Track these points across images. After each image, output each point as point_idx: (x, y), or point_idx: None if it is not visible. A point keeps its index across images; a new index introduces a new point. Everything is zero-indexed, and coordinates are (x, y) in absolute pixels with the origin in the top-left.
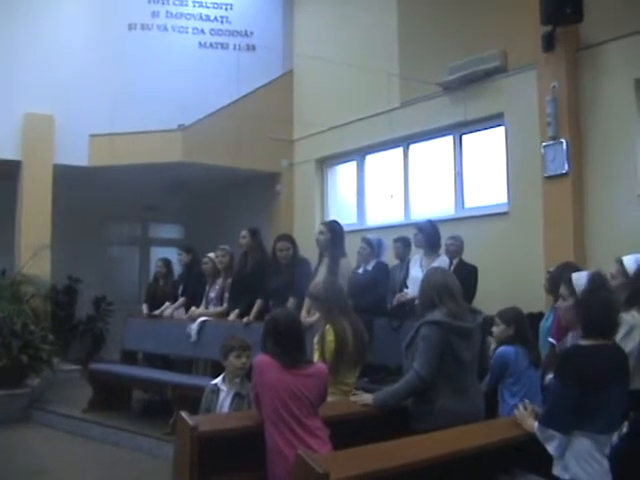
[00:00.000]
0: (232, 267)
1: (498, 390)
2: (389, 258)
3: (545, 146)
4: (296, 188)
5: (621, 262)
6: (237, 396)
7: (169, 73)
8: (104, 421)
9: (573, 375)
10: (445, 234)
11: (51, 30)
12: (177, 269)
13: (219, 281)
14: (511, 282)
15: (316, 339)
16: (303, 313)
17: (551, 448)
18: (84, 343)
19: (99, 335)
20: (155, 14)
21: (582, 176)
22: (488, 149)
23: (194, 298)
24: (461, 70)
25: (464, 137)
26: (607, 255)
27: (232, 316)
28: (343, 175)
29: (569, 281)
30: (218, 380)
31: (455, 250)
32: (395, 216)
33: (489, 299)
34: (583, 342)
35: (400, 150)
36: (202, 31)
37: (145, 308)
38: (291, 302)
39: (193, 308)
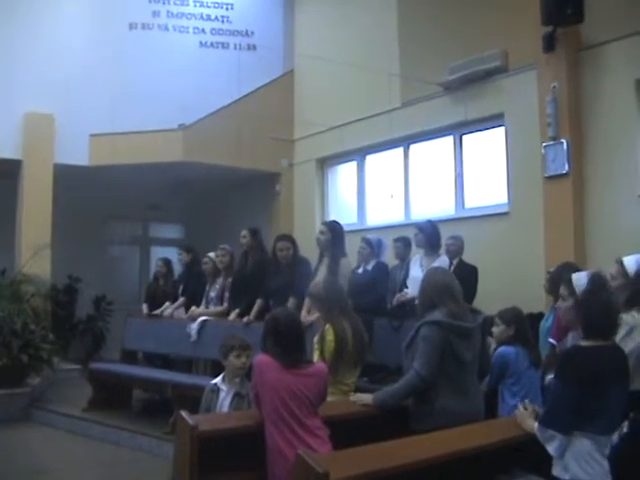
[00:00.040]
0: (232, 267)
1: (498, 390)
2: (389, 258)
3: (545, 146)
4: (296, 188)
5: (621, 263)
6: (237, 396)
7: (170, 73)
8: (104, 420)
9: (573, 376)
10: (445, 234)
11: (51, 30)
12: (177, 269)
13: (219, 281)
14: (511, 282)
15: (316, 339)
16: (303, 313)
17: (551, 449)
18: (84, 342)
19: (99, 334)
20: (156, 14)
21: (582, 176)
22: (488, 149)
23: (194, 298)
24: (461, 70)
25: (464, 137)
26: (607, 255)
27: (232, 316)
28: (343, 175)
29: (569, 281)
30: (218, 380)
31: (455, 250)
32: (395, 216)
33: (489, 299)
34: (583, 343)
35: (400, 150)
36: (203, 31)
37: (145, 308)
38: (291, 302)
39: (193, 308)
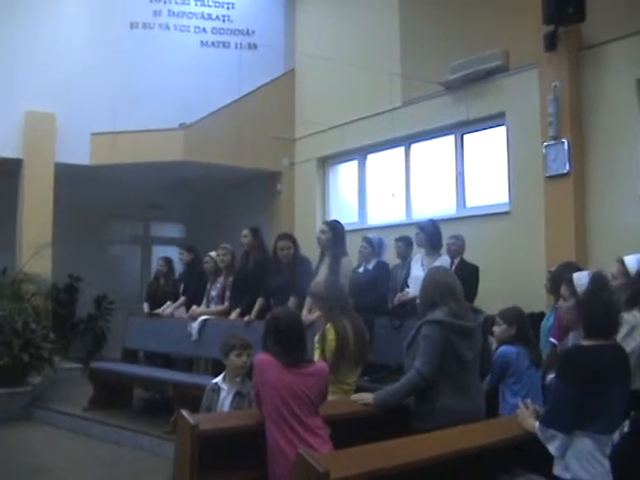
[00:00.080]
0: (233, 266)
1: (499, 390)
2: (390, 257)
3: (547, 146)
4: (297, 187)
5: (622, 262)
6: (238, 395)
7: (171, 72)
8: (105, 419)
9: (575, 375)
10: (446, 233)
11: (52, 29)
12: (178, 268)
13: (220, 280)
14: (512, 282)
15: (317, 338)
16: (304, 312)
17: (552, 448)
18: (85, 342)
19: (100, 334)
20: (157, 13)
21: (584, 176)
22: (490, 148)
23: (195, 297)
24: (463, 69)
25: (466, 136)
26: (608, 255)
27: (233, 315)
28: (344, 174)
29: (570, 281)
30: (219, 379)
31: (456, 249)
32: (396, 215)
33: (490, 299)
34: (584, 342)
35: (402, 149)
36: (204, 30)
37: (146, 307)
38: (292, 301)
39: (194, 307)
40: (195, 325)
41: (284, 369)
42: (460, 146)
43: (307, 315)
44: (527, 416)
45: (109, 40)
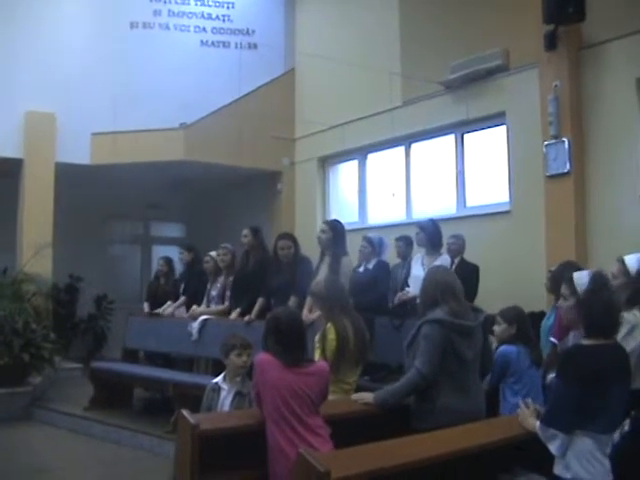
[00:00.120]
0: (234, 265)
1: (499, 389)
2: (390, 257)
3: (547, 145)
4: (297, 187)
5: (622, 261)
6: (238, 394)
7: (171, 72)
8: (105, 419)
9: (575, 375)
10: (447, 233)
11: (52, 29)
12: (178, 268)
13: (220, 279)
14: (513, 281)
15: (317, 337)
16: (305, 312)
17: (553, 447)
18: (85, 341)
19: (100, 333)
20: (157, 12)
21: (584, 175)
22: (490, 148)
23: (195, 297)
24: (463, 69)
25: (466, 136)
26: (609, 254)
27: (233, 315)
28: (345, 174)
29: (570, 280)
30: (219, 379)
31: (457, 249)
32: (397, 215)
33: (491, 298)
34: (585, 342)
35: (402, 149)
36: (204, 29)
37: (146, 307)
38: (292, 301)
39: (194, 307)
40: (195, 325)
41: (284, 369)
42: (460, 145)
43: (307, 315)
44: (528, 415)
45: (109, 40)
